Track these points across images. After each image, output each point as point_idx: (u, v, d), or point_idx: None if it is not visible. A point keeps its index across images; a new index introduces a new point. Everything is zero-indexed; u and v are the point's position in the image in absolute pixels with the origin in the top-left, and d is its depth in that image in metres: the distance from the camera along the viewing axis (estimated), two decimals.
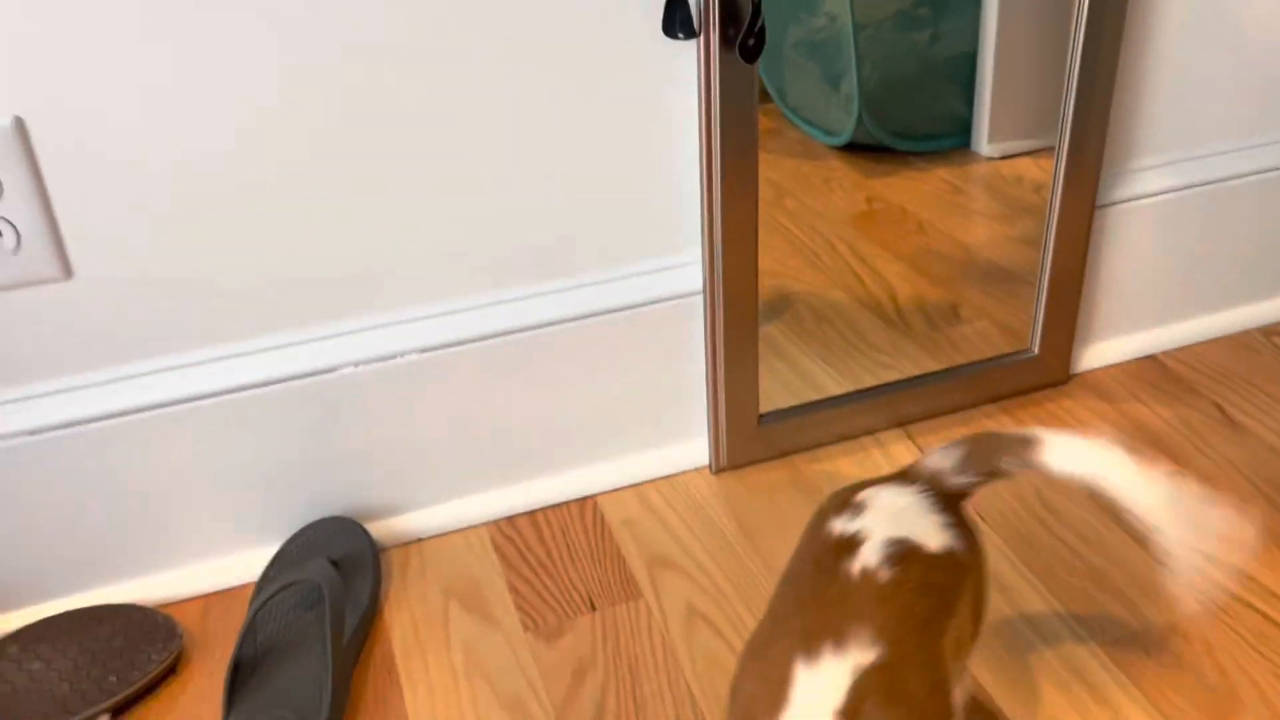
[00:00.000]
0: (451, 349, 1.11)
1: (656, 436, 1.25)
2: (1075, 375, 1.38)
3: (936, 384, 1.32)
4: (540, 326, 1.13)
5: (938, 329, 1.51)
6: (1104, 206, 1.29)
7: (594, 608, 1.10)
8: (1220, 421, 1.29)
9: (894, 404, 1.31)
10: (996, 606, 1.06)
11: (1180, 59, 1.26)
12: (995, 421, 1.32)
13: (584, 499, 1.23)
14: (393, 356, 1.10)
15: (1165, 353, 1.40)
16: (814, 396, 1.30)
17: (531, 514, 1.21)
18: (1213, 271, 1.39)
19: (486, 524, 1.20)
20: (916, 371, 1.34)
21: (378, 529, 1.17)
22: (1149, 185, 1.30)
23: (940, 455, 0.86)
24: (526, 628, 1.08)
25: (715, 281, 1.15)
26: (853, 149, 1.74)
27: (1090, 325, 1.37)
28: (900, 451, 1.28)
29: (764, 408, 1.25)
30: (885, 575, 0.77)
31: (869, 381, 1.33)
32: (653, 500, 1.23)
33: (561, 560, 1.16)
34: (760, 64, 1.07)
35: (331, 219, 1.03)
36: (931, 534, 0.80)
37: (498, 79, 1.02)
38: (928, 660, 0.75)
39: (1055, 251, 1.28)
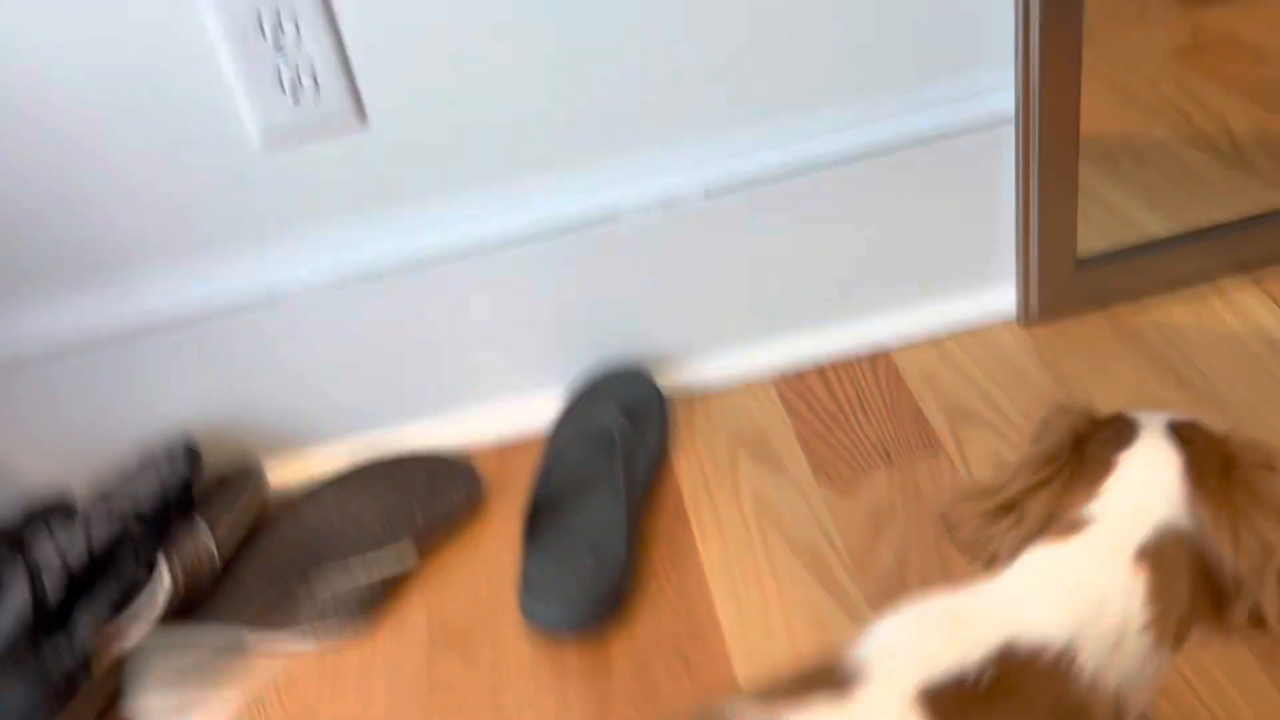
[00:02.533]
0: (736, 191, 1.06)
1: (958, 284, 1.15)
2: None
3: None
4: (834, 164, 1.05)
5: None
6: None
7: (890, 461, 1.04)
8: None
9: (1235, 246, 1.15)
10: None
11: None
12: None
13: (876, 353, 1.15)
14: (679, 202, 1.05)
15: None
16: (1136, 240, 1.16)
17: (820, 368, 1.15)
18: None
19: (773, 377, 1.15)
20: (1261, 210, 1.17)
21: (667, 380, 1.14)
22: None
23: None
24: (819, 479, 1.04)
25: (1030, 106, 1.02)
26: None
27: None
28: (1246, 300, 1.12)
29: (1081, 252, 1.13)
30: None
31: (1202, 223, 1.17)
32: (953, 353, 1.14)
33: (854, 413, 1.10)
34: None
35: (612, 49, 0.99)
36: None
37: None
38: None
39: None
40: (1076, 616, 0.56)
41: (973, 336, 1.15)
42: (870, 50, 1.02)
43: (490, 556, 1.02)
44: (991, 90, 1.04)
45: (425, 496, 1.06)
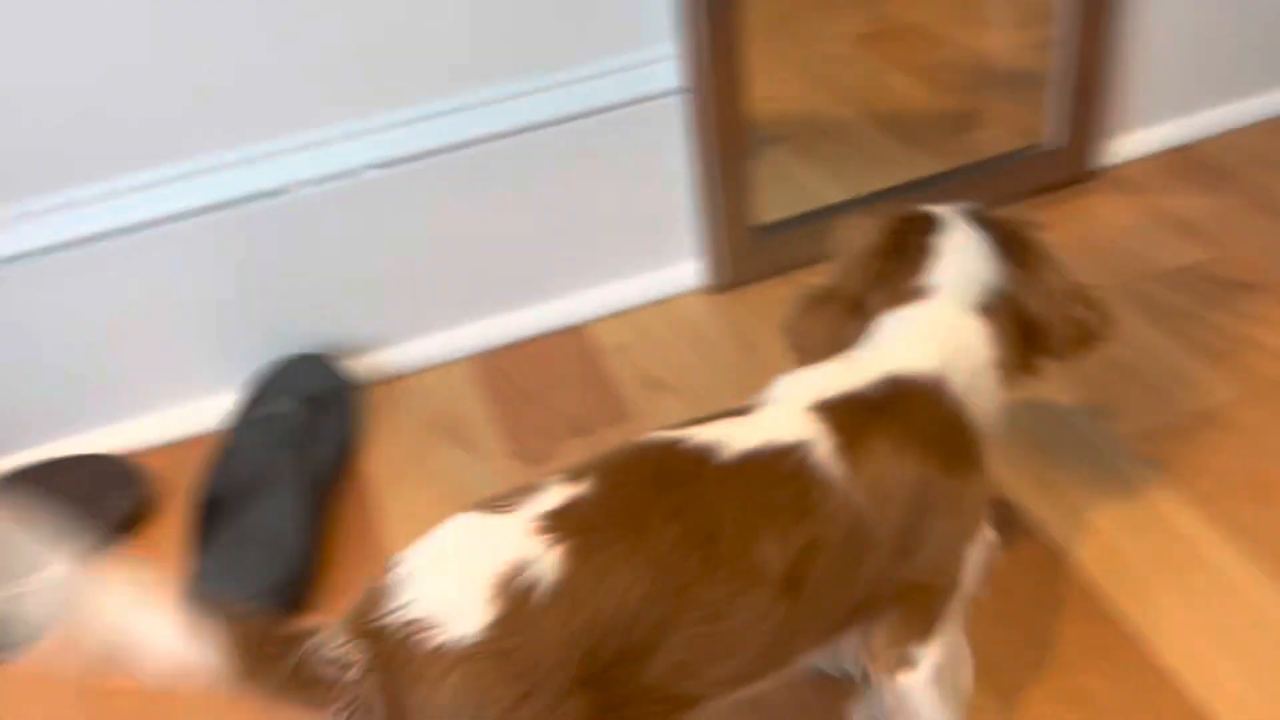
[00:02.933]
0: (412, 163, 1.03)
1: (649, 258, 1.17)
2: (1100, 169, 1.27)
3: (948, 185, 1.21)
4: (504, 135, 1.04)
5: (951, 136, 1.41)
6: None
7: (584, 433, 1.03)
8: (1258, 208, 1.19)
9: None
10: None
11: None
12: None
13: (571, 327, 1.15)
14: (348, 174, 1.02)
15: (1198, 141, 1.29)
16: (812, 207, 1.21)
17: (515, 345, 1.14)
18: (1248, 50, 1.27)
19: (469, 356, 1.13)
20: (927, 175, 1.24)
21: (356, 365, 1.10)
22: None
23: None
24: (514, 456, 1.02)
25: (699, 75, 1.05)
26: None
27: (1115, 115, 1.25)
28: None
29: (762, 221, 1.16)
30: None
31: (877, 189, 1.23)
32: (646, 324, 1.15)
33: (548, 388, 1.09)
34: None
35: (272, 19, 0.94)
36: None
37: None
38: None
39: (1081, 26, 1.15)
40: (944, 355, 0.67)
41: (662, 307, 1.16)
42: (537, 24, 1.01)
43: (163, 561, 0.95)
44: (658, 62, 1.06)
45: (87, 501, 0.97)
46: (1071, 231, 1.19)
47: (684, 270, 1.17)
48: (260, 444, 1.00)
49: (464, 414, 1.07)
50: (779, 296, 1.15)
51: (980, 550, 0.67)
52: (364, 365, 1.11)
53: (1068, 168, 1.25)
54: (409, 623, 0.54)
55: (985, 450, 0.67)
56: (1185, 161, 1.27)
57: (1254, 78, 1.30)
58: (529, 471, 0.99)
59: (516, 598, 0.54)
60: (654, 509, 0.58)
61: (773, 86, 1.53)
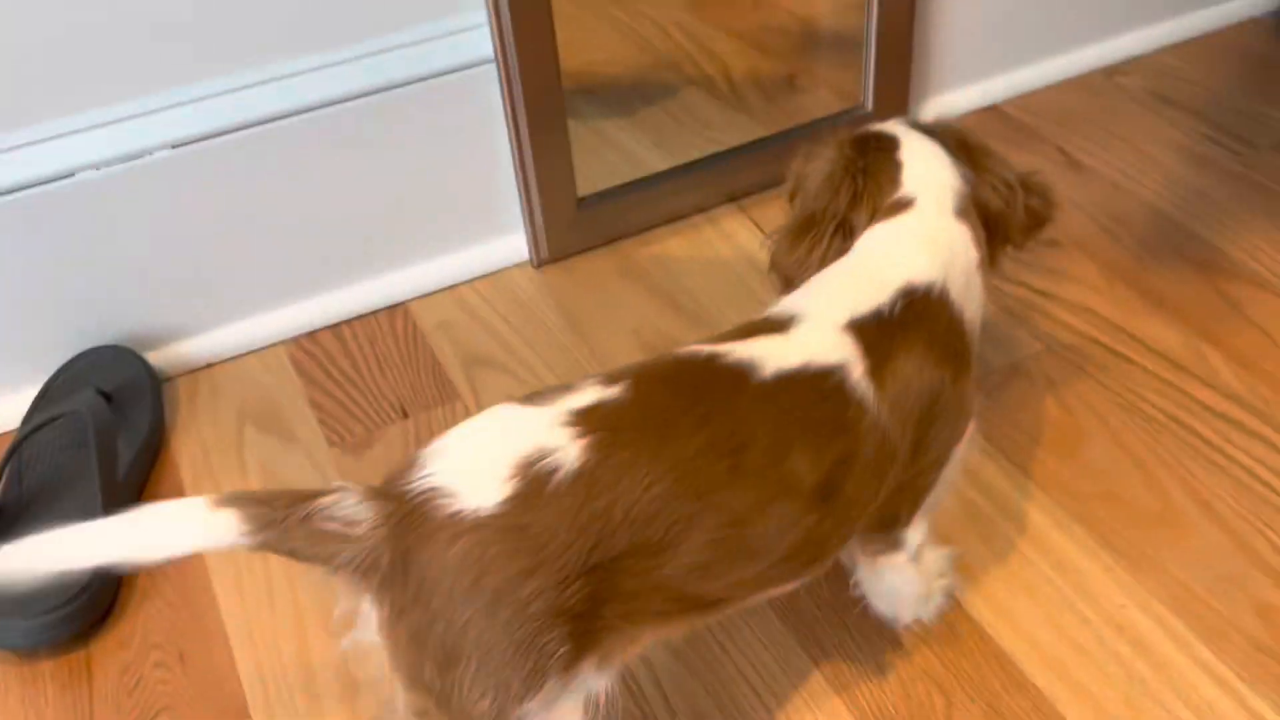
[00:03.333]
0: (209, 141, 0.98)
1: (471, 233, 1.14)
2: None
3: (768, 150, 1.22)
4: (311, 109, 1.00)
5: (773, 101, 1.42)
6: None
7: (406, 415, 1.01)
8: (1064, 164, 1.23)
9: (724, 177, 1.22)
10: None
11: None
12: None
13: (394, 306, 1.12)
14: (140, 155, 0.96)
15: (1007, 100, 1.33)
16: (638, 175, 1.20)
17: (335, 326, 1.10)
18: (1052, 11, 1.31)
19: (284, 341, 1.09)
20: (749, 141, 1.25)
21: (160, 357, 1.05)
22: None
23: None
24: (332, 443, 0.99)
25: (506, 45, 1.02)
26: None
27: (927, 78, 1.28)
28: (734, 227, 1.19)
29: (584, 190, 1.15)
30: None
31: (697, 156, 1.23)
32: (470, 301, 1.13)
33: (370, 371, 1.06)
34: None
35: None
36: None
37: None
38: None
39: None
40: (942, 261, 0.70)
41: (488, 282, 1.14)
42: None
43: None
44: (471, 29, 1.03)
45: None
46: None
47: (508, 244, 1.15)
48: (57, 444, 0.94)
49: (279, 401, 1.03)
50: (605, 267, 1.15)
51: (967, 446, 0.73)
52: (172, 355, 1.05)
53: None
54: (428, 490, 0.56)
55: (974, 350, 0.73)
56: (994, 120, 1.30)
57: (1055, 39, 1.34)
58: (347, 460, 0.97)
59: (535, 480, 0.56)
60: (684, 416, 0.61)
61: (596, 53, 1.52)
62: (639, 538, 0.58)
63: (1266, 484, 0.88)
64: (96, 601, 0.85)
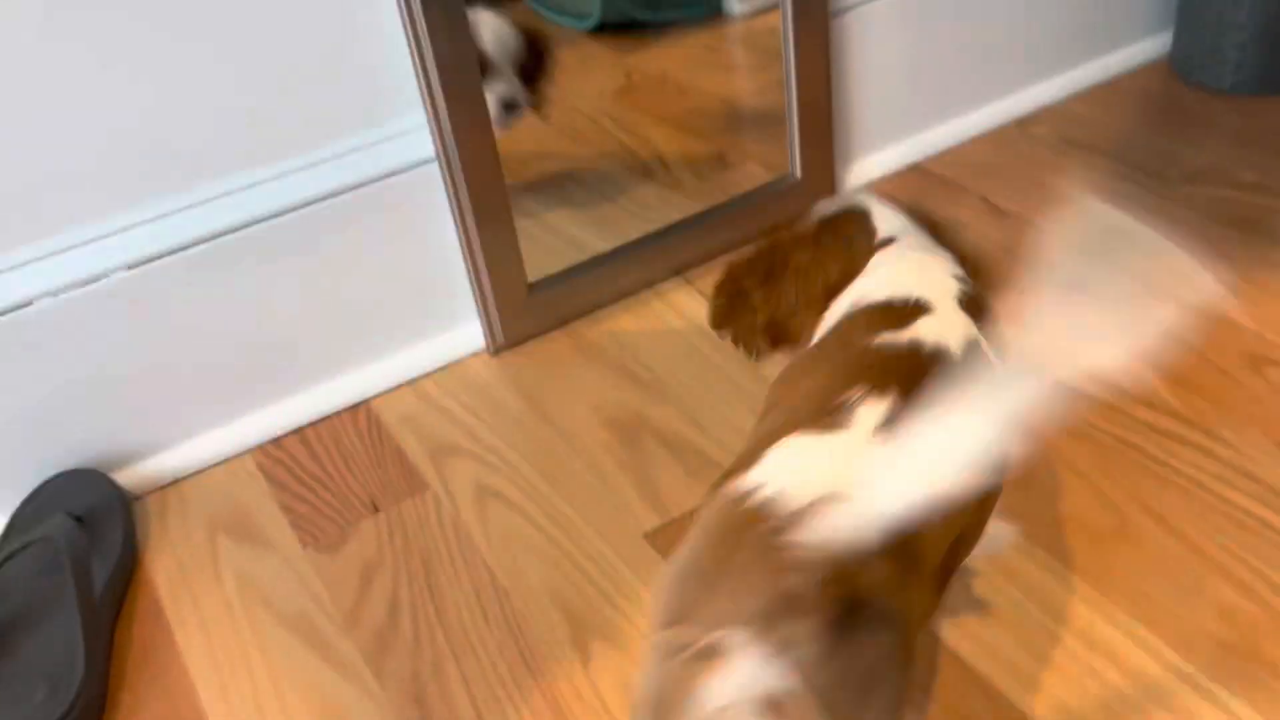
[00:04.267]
0: (166, 259, 1.00)
1: (426, 327, 1.17)
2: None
3: (705, 224, 1.27)
4: (260, 221, 1.03)
5: (706, 178, 1.47)
6: (839, 14, 1.25)
7: (378, 509, 1.02)
8: (989, 212, 1.29)
9: (667, 252, 1.26)
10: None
11: None
12: None
13: (356, 405, 1.14)
14: (97, 278, 0.98)
15: (927, 158, 1.39)
16: (585, 259, 1.24)
17: (299, 430, 1.12)
18: (961, 70, 1.39)
19: (250, 450, 1.10)
20: (686, 217, 1.29)
21: (128, 476, 1.05)
22: None
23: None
24: (305, 544, 1.00)
25: (447, 144, 1.06)
26: (607, 31, 1.69)
27: (850, 143, 1.34)
28: (682, 299, 1.23)
29: (533, 277, 1.18)
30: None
31: (640, 235, 1.27)
32: (431, 393, 1.15)
33: (337, 470, 1.07)
34: None
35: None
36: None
37: None
38: None
39: (798, 68, 1.24)
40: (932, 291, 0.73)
41: (447, 373, 1.17)
42: (277, 111, 1.01)
43: None
44: (411, 133, 1.07)
45: None
46: None
47: (464, 334, 1.18)
48: (30, 571, 0.94)
49: (250, 509, 1.04)
50: (561, 348, 1.18)
51: None
52: (139, 474, 1.06)
53: (815, 195, 1.32)
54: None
55: None
56: (918, 177, 1.37)
57: (966, 97, 1.41)
58: (324, 559, 0.97)
59: None
60: None
61: (534, 145, 1.57)
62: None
63: (1211, 490, 0.92)
64: (84, 716, 0.84)
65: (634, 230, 1.31)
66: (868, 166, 1.36)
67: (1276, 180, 1.27)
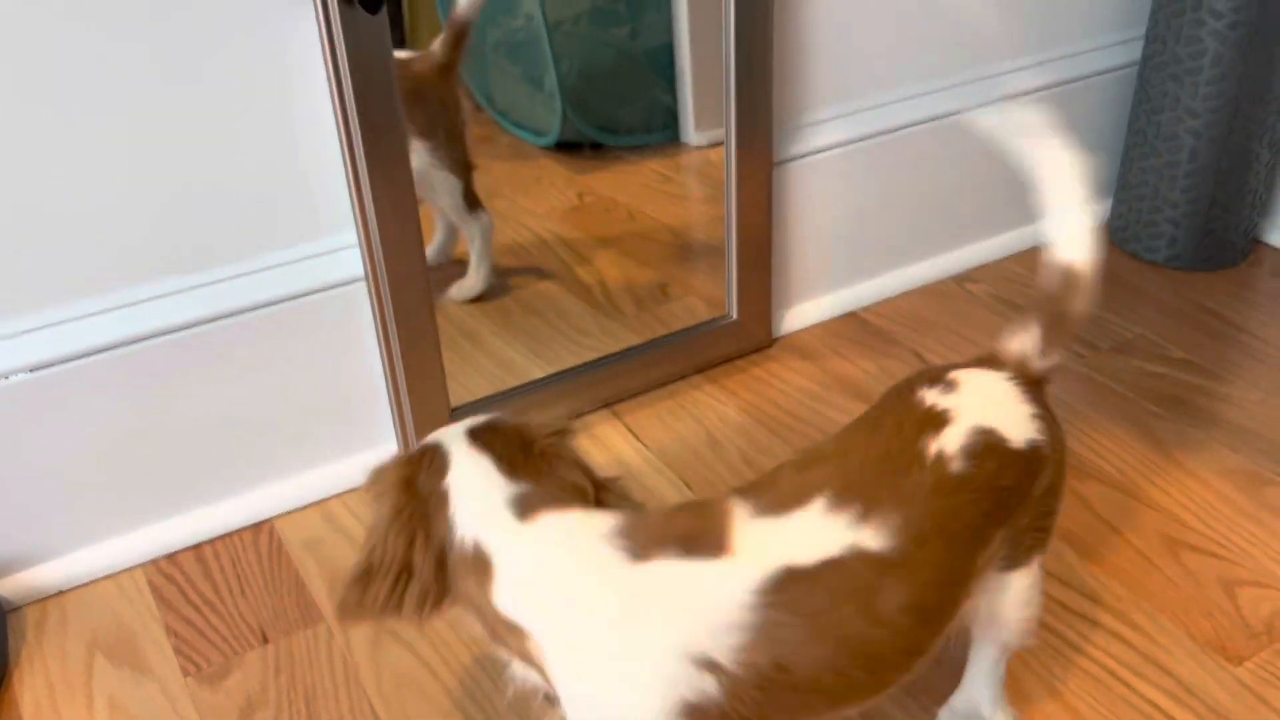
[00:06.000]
0: (71, 363, 0.97)
1: (340, 446, 1.14)
2: (779, 338, 1.35)
3: (640, 358, 1.26)
4: (178, 330, 1.00)
5: (646, 308, 1.47)
6: (782, 163, 1.27)
7: (266, 640, 0.98)
8: (919, 367, 1.29)
9: (598, 384, 1.24)
10: None
11: (837, 16, 1.26)
12: (702, 391, 1.27)
13: (259, 524, 1.10)
14: None
15: (865, 308, 1.40)
16: (515, 384, 1.22)
17: (197, 547, 1.07)
18: (903, 224, 1.40)
19: (143, 564, 1.05)
20: (622, 349, 1.28)
21: (7, 585, 1.00)
22: (824, 139, 1.29)
23: (1020, 339, 0.80)
24: (187, 672, 0.95)
25: (376, 264, 1.05)
26: (564, 148, 1.70)
27: (789, 288, 1.35)
28: (608, 433, 1.21)
29: (459, 400, 1.16)
30: (957, 467, 0.70)
31: (573, 364, 1.26)
32: (338, 515, 1.11)
33: (231, 594, 1.02)
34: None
35: None
36: (1018, 425, 0.74)
37: (73, 47, 0.89)
38: (946, 577, 0.70)
39: (740, 213, 1.25)
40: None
41: (357, 496, 1.13)
42: (208, 220, 0.99)
43: None
44: (341, 250, 1.06)
45: None
46: (757, 395, 1.25)
47: (379, 456, 1.14)
48: None
49: (134, 629, 0.99)
50: None
51: None
52: (20, 583, 1.01)
53: (751, 337, 1.32)
54: None
55: None
56: (854, 326, 1.37)
57: (908, 249, 1.43)
58: (203, 691, 0.92)
59: None
60: None
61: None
62: None
63: (1122, 680, 0.90)
64: None
65: (568, 356, 1.30)
66: (805, 311, 1.36)
67: (1204, 358, 1.29)
